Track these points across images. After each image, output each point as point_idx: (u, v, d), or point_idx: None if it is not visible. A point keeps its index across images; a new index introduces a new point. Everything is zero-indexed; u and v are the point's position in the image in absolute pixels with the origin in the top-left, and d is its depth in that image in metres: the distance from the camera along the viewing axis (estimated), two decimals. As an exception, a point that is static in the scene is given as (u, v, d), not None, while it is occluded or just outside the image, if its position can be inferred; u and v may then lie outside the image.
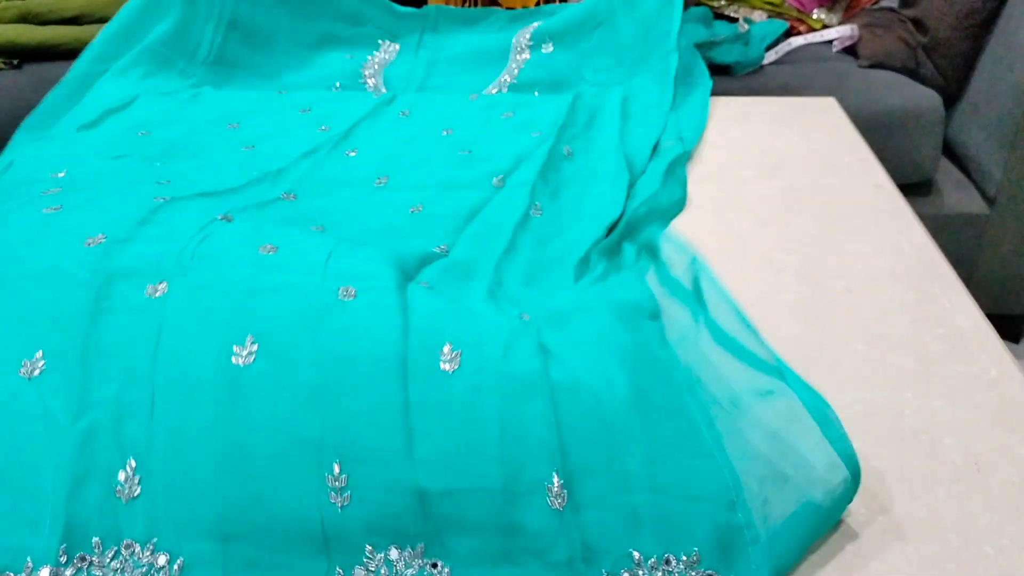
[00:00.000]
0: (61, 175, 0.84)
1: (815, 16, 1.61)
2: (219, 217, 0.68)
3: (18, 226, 0.66)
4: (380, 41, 1.30)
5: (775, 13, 1.60)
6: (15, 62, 1.48)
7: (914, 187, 1.39)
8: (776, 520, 0.49)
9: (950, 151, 1.48)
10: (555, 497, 0.49)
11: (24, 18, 1.51)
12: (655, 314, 0.60)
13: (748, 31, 1.50)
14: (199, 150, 0.96)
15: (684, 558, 0.47)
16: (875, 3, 1.61)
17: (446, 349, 0.53)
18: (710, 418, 0.53)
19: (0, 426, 0.54)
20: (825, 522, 0.50)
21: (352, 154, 0.96)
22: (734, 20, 1.55)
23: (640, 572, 0.48)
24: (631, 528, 0.49)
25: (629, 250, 0.77)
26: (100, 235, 0.64)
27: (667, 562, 0.47)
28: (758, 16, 1.59)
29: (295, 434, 0.52)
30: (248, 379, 0.54)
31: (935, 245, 0.80)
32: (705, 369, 0.57)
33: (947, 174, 1.46)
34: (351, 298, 0.57)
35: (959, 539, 0.50)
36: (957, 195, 1.43)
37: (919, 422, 0.58)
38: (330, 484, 0.50)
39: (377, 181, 0.89)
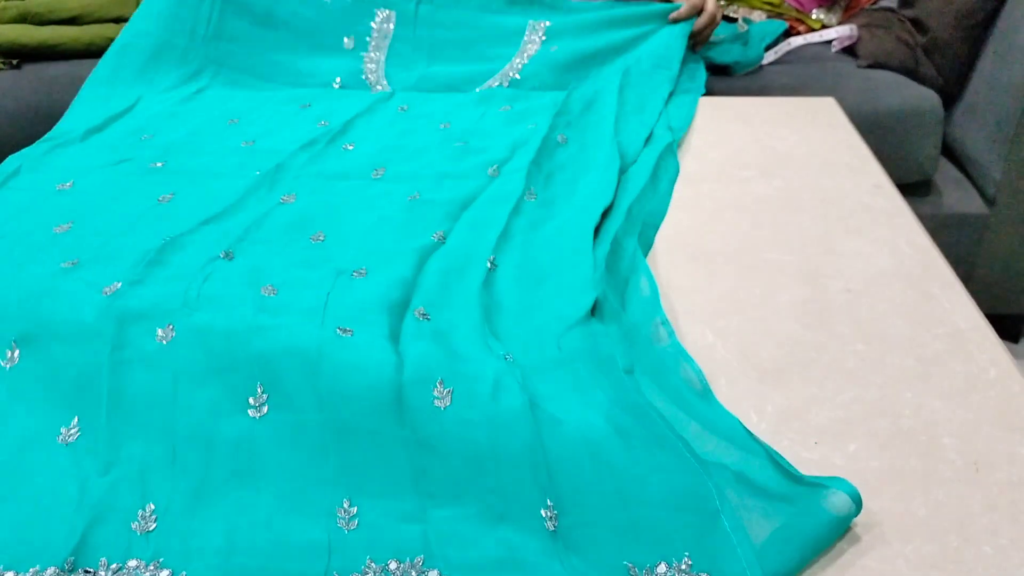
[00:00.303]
0: (67, 186, 0.86)
1: (814, 16, 1.61)
2: (221, 255, 0.72)
3: (36, 281, 0.68)
4: (376, 10, 1.31)
5: (774, 13, 1.60)
6: (15, 62, 1.48)
7: (913, 187, 1.39)
8: (767, 526, 0.49)
9: (949, 151, 1.48)
10: (549, 520, 0.51)
11: (24, 18, 1.51)
12: (629, 369, 0.62)
13: (747, 31, 1.50)
14: (200, 149, 0.97)
15: (676, 564, 0.48)
16: (874, 3, 1.61)
17: (438, 385, 0.56)
18: (689, 442, 0.54)
19: (35, 487, 0.55)
20: (823, 531, 0.49)
21: (350, 148, 0.97)
22: (733, 20, 1.55)
23: None
24: (623, 542, 0.49)
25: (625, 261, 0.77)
26: (116, 283, 0.66)
27: (660, 569, 0.48)
28: (757, 16, 1.59)
29: (309, 476, 0.55)
30: (263, 431, 0.57)
31: (934, 245, 0.80)
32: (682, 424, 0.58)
33: (946, 174, 1.46)
34: (349, 335, 0.60)
35: (959, 539, 0.50)
36: (956, 195, 1.43)
37: (918, 422, 0.58)
38: (340, 515, 0.53)
39: (374, 173, 0.90)
